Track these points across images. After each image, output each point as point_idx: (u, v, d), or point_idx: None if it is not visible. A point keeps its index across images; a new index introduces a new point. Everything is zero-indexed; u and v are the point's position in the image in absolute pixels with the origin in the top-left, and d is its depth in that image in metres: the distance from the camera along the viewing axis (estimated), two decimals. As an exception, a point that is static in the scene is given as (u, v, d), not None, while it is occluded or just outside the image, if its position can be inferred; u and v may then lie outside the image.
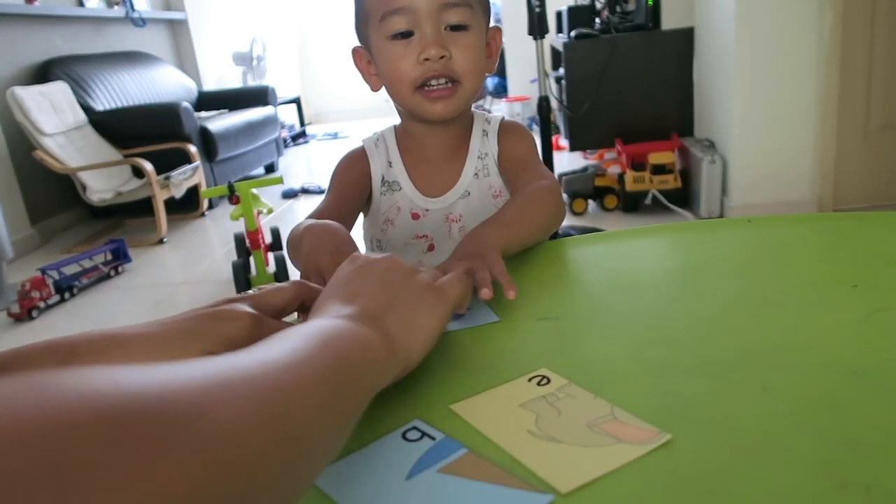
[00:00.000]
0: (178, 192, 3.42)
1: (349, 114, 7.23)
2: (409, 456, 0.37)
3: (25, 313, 2.45)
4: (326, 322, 0.38)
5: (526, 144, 0.89)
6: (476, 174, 0.88)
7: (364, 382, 0.36)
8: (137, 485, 0.19)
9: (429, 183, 0.88)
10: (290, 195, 4.05)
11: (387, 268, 0.47)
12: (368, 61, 0.84)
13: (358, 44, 0.85)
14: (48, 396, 0.19)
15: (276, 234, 2.63)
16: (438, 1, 0.75)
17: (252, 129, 4.34)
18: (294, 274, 0.86)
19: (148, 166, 3.29)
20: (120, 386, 0.21)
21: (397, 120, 0.92)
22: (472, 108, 0.90)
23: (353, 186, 0.87)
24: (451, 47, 0.77)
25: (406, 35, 0.77)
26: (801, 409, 0.38)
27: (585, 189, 3.01)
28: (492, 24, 0.85)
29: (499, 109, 5.46)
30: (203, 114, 4.36)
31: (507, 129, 0.89)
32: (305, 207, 3.76)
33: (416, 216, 0.87)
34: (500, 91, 5.72)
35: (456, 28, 0.77)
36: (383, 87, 0.84)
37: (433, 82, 0.78)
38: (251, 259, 2.52)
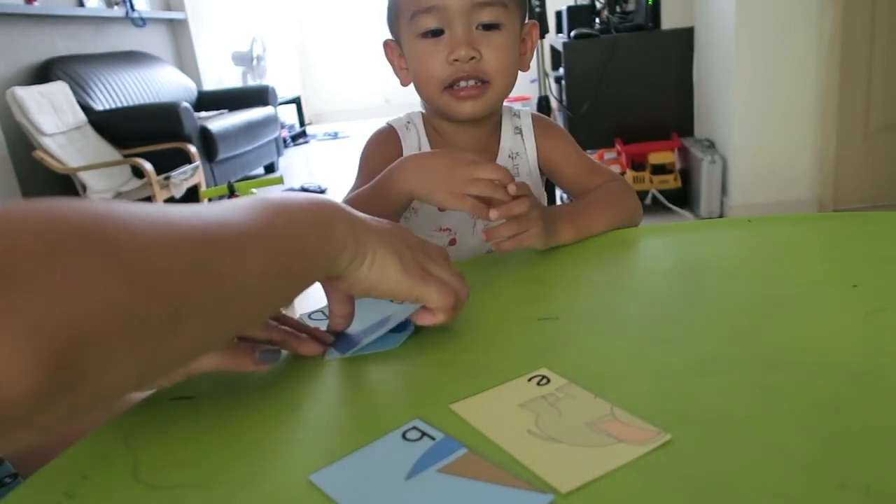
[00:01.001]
0: (178, 192, 3.42)
1: (349, 114, 7.23)
2: (409, 456, 0.37)
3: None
4: (314, 203, 0.43)
5: (569, 143, 0.89)
6: None
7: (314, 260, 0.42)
8: (71, 286, 0.26)
9: None
10: (290, 195, 4.04)
11: (422, 242, 0.50)
12: (400, 55, 0.83)
13: (389, 37, 0.84)
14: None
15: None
16: (470, 0, 0.74)
17: (252, 129, 4.33)
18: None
19: (148, 166, 3.29)
20: (74, 214, 0.28)
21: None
22: None
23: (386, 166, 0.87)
24: (482, 47, 0.75)
25: (436, 33, 0.75)
26: (801, 409, 0.38)
27: (585, 189, 3.00)
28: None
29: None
30: (203, 114, 4.35)
31: (542, 129, 0.88)
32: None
33: (441, 208, 0.87)
34: (500, 91, 5.71)
35: (488, 27, 0.75)
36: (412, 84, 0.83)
37: (462, 83, 0.76)
38: (251, 259, 2.51)
